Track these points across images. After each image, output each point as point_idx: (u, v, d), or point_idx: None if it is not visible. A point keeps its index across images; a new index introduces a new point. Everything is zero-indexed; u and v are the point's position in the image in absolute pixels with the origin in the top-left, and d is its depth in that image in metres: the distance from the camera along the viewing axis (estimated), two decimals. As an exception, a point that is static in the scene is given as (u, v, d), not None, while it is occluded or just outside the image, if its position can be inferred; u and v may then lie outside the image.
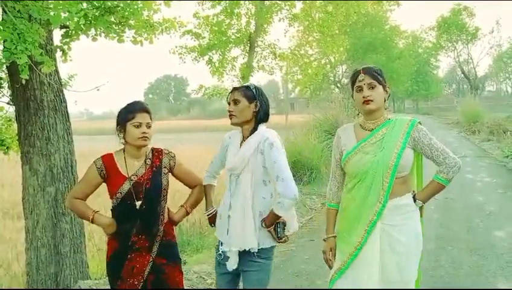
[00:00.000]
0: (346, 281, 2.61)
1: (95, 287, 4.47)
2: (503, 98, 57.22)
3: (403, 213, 2.59)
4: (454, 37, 43.57)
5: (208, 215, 2.97)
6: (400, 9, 41.20)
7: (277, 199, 2.60)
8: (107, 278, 4.90)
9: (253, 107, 2.73)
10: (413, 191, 2.67)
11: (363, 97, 2.56)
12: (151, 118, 2.76)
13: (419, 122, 2.62)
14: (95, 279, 4.89)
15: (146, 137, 2.70)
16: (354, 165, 2.62)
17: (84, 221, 4.77)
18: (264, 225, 2.65)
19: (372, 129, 2.63)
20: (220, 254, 2.77)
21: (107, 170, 2.72)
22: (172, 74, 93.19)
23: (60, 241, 4.54)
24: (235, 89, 2.82)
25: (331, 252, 2.72)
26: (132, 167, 2.75)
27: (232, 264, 2.69)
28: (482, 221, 6.79)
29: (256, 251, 2.66)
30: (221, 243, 2.77)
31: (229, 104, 2.78)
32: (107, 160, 2.75)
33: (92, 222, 2.73)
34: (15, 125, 4.94)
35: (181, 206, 2.98)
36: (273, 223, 2.65)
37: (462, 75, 50.32)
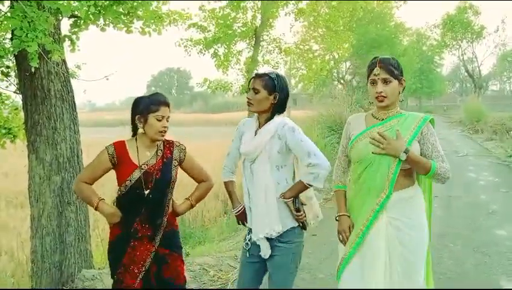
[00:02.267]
0: (352, 272, 2.59)
1: (98, 277, 4.50)
2: (506, 97, 57.08)
3: (409, 207, 2.56)
4: (459, 35, 43.41)
5: (236, 213, 2.92)
6: (405, 7, 41.07)
7: (310, 170, 2.57)
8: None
9: (272, 98, 2.69)
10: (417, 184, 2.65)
11: (377, 92, 2.54)
12: (169, 112, 2.77)
13: (431, 121, 2.61)
14: (99, 268, 4.93)
15: (165, 131, 2.72)
16: (360, 150, 2.60)
17: (89, 211, 4.82)
18: (282, 197, 2.63)
19: (383, 119, 2.62)
20: (247, 243, 2.77)
21: (118, 156, 2.72)
22: (175, 67, 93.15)
23: (65, 230, 4.56)
24: (257, 76, 2.74)
25: (345, 231, 2.66)
26: (143, 157, 2.75)
27: (265, 251, 2.67)
28: (485, 219, 6.80)
29: (276, 237, 2.65)
30: (250, 231, 2.78)
31: (249, 90, 2.74)
32: (119, 147, 2.75)
33: (96, 209, 2.72)
34: (22, 114, 4.95)
35: (186, 199, 2.98)
36: (295, 196, 2.64)
37: (466, 74, 50.20)
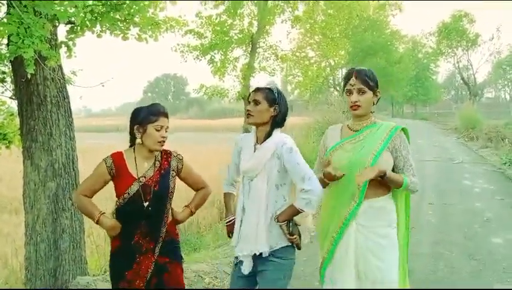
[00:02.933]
0: (330, 276, 2.72)
1: (93, 284, 4.47)
2: (501, 104, 57.32)
3: (378, 216, 2.63)
4: (454, 43, 43.58)
5: (226, 223, 2.95)
6: (401, 15, 41.26)
7: (302, 195, 2.57)
8: (105, 274, 4.95)
9: (272, 111, 2.71)
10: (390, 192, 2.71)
11: (351, 102, 2.65)
12: (168, 122, 2.78)
13: (404, 130, 2.68)
14: (93, 275, 4.90)
15: (164, 141, 2.72)
16: (333, 160, 2.69)
17: (84, 217, 4.80)
18: (276, 220, 2.64)
19: (357, 130, 2.72)
20: (237, 257, 2.78)
21: (117, 168, 2.71)
22: (172, 73, 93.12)
23: (59, 236, 4.54)
24: (257, 89, 2.77)
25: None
26: (141, 168, 2.75)
27: (246, 268, 2.69)
28: (480, 227, 6.81)
29: (268, 254, 2.65)
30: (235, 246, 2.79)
31: (249, 102, 2.77)
32: (117, 158, 2.74)
33: (97, 223, 2.72)
34: (17, 120, 4.93)
35: (185, 206, 2.98)
36: (288, 219, 2.64)
37: (461, 81, 50.34)
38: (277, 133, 2.73)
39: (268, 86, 2.76)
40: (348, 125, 2.80)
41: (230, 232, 2.93)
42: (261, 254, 2.65)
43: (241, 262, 2.73)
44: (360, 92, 2.62)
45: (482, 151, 16.32)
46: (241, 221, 2.75)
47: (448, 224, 7.05)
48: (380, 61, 30.93)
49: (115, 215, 2.77)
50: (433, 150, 16.15)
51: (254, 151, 2.75)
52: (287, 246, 2.68)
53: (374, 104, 2.70)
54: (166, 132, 2.74)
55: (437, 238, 6.25)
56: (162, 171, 2.79)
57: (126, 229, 2.73)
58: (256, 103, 2.71)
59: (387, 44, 32.92)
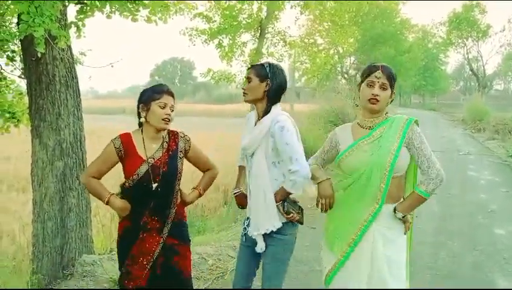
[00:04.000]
0: (340, 279, 2.64)
1: (98, 262, 4.54)
2: (510, 97, 56.93)
3: (396, 219, 2.61)
4: (464, 33, 43.18)
5: (234, 193, 2.98)
6: (411, 3, 40.82)
7: (289, 176, 2.60)
8: (110, 253, 5.03)
9: (264, 86, 2.72)
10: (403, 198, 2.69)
11: (372, 94, 2.57)
12: (174, 102, 2.78)
13: (416, 122, 2.64)
14: (99, 254, 4.98)
15: (168, 119, 2.72)
16: (350, 163, 2.64)
17: (90, 196, 4.86)
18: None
19: (370, 127, 2.65)
20: (245, 227, 2.84)
21: (125, 150, 2.72)
22: (179, 57, 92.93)
23: (66, 215, 4.60)
24: (251, 66, 2.82)
25: (329, 197, 2.70)
26: (150, 149, 2.76)
27: (259, 248, 2.74)
28: (484, 218, 6.82)
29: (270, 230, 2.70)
30: (248, 217, 2.84)
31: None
32: (126, 140, 2.75)
33: (107, 203, 2.74)
34: (26, 99, 4.97)
35: (194, 188, 3.01)
36: (282, 200, 2.67)
37: (470, 72, 50.01)
38: (275, 109, 2.74)
39: (260, 62, 2.79)
40: (358, 123, 2.73)
41: (239, 204, 2.97)
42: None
43: (249, 239, 2.79)
44: (382, 87, 2.57)
45: (489, 143, 16.27)
46: (250, 198, 2.80)
47: (451, 214, 7.07)
48: (389, 50, 30.77)
49: (121, 195, 2.79)
50: (439, 141, 16.10)
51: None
52: (286, 222, 2.72)
53: (387, 104, 2.66)
54: (171, 110, 2.75)
55: (440, 228, 6.27)
56: (170, 152, 2.81)
57: (135, 210, 2.75)
58: (249, 80, 2.75)
59: (396, 33, 32.73)
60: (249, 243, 2.83)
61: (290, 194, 2.67)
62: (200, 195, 3.02)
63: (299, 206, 2.76)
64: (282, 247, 2.74)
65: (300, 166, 2.57)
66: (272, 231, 2.70)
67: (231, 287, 3.01)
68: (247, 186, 2.88)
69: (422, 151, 2.57)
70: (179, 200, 2.87)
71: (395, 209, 2.59)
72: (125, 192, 2.78)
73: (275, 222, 2.67)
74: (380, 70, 2.58)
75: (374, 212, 2.56)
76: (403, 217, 2.58)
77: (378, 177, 2.55)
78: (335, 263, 2.64)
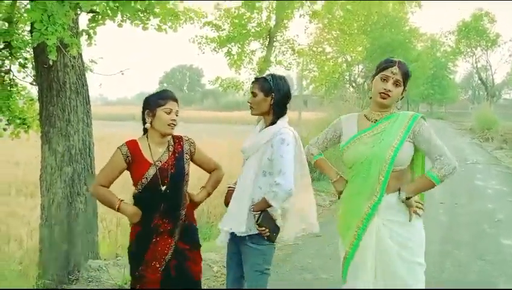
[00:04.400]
0: (353, 272, 2.64)
1: (104, 268, 4.58)
2: (519, 107, 56.54)
3: (401, 209, 2.58)
4: (473, 42, 43.09)
5: (228, 186, 3.01)
6: (420, 12, 40.81)
7: (272, 187, 2.63)
8: (116, 259, 5.06)
9: (269, 100, 2.77)
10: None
11: (385, 89, 2.57)
12: (178, 107, 2.83)
13: (423, 117, 2.63)
14: (105, 259, 5.01)
15: (174, 124, 2.77)
16: (351, 154, 2.66)
17: (97, 202, 4.90)
18: (251, 209, 2.71)
19: (376, 120, 2.66)
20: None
21: (132, 155, 2.76)
22: (188, 64, 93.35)
23: (73, 220, 4.66)
24: (255, 80, 2.87)
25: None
26: (156, 153, 2.80)
27: (218, 242, 2.83)
28: (490, 228, 6.80)
29: (246, 236, 2.72)
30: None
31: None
32: (132, 146, 2.79)
33: (118, 210, 2.77)
34: (36, 105, 5.05)
35: (202, 187, 3.05)
36: (259, 210, 2.69)
37: (479, 82, 49.82)
38: (281, 121, 2.79)
39: (264, 76, 2.84)
40: (365, 115, 2.74)
41: (226, 200, 2.96)
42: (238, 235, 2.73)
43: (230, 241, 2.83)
44: (396, 83, 2.58)
45: (497, 153, 16.21)
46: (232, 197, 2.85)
47: (458, 223, 7.05)
48: (397, 58, 30.69)
49: (133, 203, 2.82)
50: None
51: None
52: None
53: (397, 100, 2.66)
54: (176, 115, 2.80)
55: (446, 237, 6.26)
56: (177, 155, 2.85)
57: (145, 214, 2.78)
58: (254, 94, 2.80)
59: (405, 41, 32.67)
60: (233, 249, 2.86)
61: (270, 206, 2.67)
62: (209, 194, 3.05)
63: (276, 225, 2.75)
64: (261, 257, 2.76)
65: (285, 181, 2.60)
66: (251, 241, 2.73)
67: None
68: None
69: (433, 141, 2.56)
70: (187, 202, 2.90)
71: (399, 191, 2.57)
72: (136, 199, 2.82)
73: (240, 226, 2.70)
74: (396, 66, 2.58)
75: (373, 205, 2.56)
76: (407, 198, 2.54)
77: (377, 170, 2.56)
78: (346, 254, 2.67)
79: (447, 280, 4.76)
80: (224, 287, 4.55)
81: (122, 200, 2.78)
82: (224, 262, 5.13)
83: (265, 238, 2.72)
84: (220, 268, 4.97)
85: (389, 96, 2.57)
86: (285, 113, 2.84)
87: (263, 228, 2.69)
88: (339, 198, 2.84)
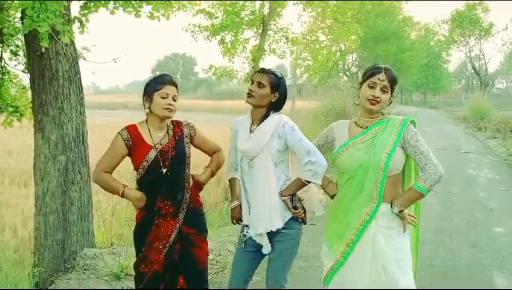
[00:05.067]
0: (340, 279, 2.67)
1: (99, 256, 4.59)
2: (511, 96, 56.83)
3: (395, 217, 2.62)
4: (467, 31, 43.15)
5: (231, 207, 3.01)
6: (414, 1, 40.68)
7: (307, 167, 2.66)
8: (111, 247, 5.06)
9: (273, 97, 2.77)
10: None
11: (373, 96, 2.59)
12: (177, 92, 2.83)
13: (412, 122, 2.65)
14: (100, 248, 5.01)
15: (171, 108, 2.77)
16: (344, 160, 2.67)
17: (92, 191, 4.90)
18: (281, 195, 2.72)
19: (366, 126, 2.68)
20: (244, 234, 2.86)
21: (133, 140, 2.77)
22: (181, 53, 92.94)
23: (68, 209, 4.64)
24: (264, 71, 2.81)
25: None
26: (156, 137, 2.81)
27: (266, 248, 2.78)
28: (483, 216, 6.86)
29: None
30: (246, 225, 2.86)
31: (252, 82, 2.80)
32: (132, 130, 2.80)
33: (122, 196, 2.77)
34: (29, 93, 5.00)
35: (206, 167, 3.06)
36: (292, 193, 2.73)
37: (472, 71, 49.99)
38: (274, 115, 2.80)
39: (273, 71, 2.81)
40: (355, 122, 2.76)
41: (234, 218, 3.00)
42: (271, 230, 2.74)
43: (251, 240, 2.81)
44: (383, 90, 2.60)
45: (490, 142, 16.31)
46: (248, 201, 2.82)
47: (451, 212, 7.11)
48: (391, 47, 30.73)
49: (136, 188, 2.84)
50: (440, 139, 16.13)
51: (250, 132, 2.81)
52: (292, 217, 2.77)
53: (386, 105, 2.68)
54: (174, 100, 2.80)
55: (439, 226, 6.31)
56: (177, 137, 2.87)
57: (148, 198, 2.79)
58: (261, 85, 2.75)
59: (399, 30, 32.68)
60: (249, 248, 2.85)
61: (304, 186, 2.72)
62: (213, 174, 3.07)
63: (303, 206, 2.81)
64: (289, 242, 2.79)
65: (318, 157, 2.67)
66: (280, 229, 2.74)
67: (229, 283, 3.04)
68: (241, 192, 2.91)
69: (419, 149, 2.57)
70: (191, 185, 2.91)
71: (391, 204, 2.61)
72: (139, 184, 2.83)
73: (276, 222, 2.72)
74: (383, 73, 2.60)
75: (372, 212, 2.58)
76: (400, 211, 2.59)
77: (373, 177, 2.57)
78: (334, 263, 2.67)
79: (440, 267, 4.80)
80: (219, 275, 4.59)
81: (126, 186, 2.78)
82: (219, 250, 5.20)
83: (300, 220, 2.77)
84: (215, 256, 4.99)
85: (377, 102, 2.60)
86: (280, 110, 2.85)
87: (298, 210, 2.74)
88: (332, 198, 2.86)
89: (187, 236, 2.85)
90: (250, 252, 2.85)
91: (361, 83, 2.69)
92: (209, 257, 4.89)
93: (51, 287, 4.27)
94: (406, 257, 2.63)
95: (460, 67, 67.28)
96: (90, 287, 4.16)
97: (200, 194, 3.05)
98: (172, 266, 2.83)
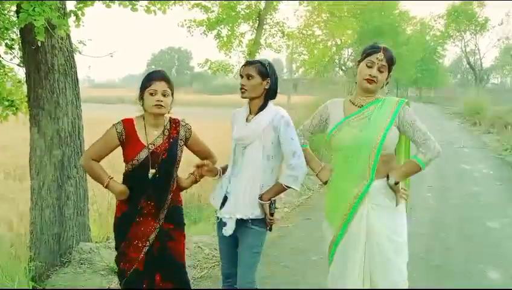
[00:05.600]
0: (340, 255, 2.71)
1: (95, 250, 4.59)
2: (507, 91, 56.89)
3: (388, 195, 2.65)
4: (462, 26, 43.19)
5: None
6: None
7: (288, 172, 2.70)
8: (107, 241, 5.07)
9: (265, 84, 2.78)
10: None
11: (370, 75, 2.62)
12: (170, 87, 2.80)
13: (407, 103, 2.68)
14: (96, 242, 5.02)
15: (160, 105, 2.73)
16: (339, 138, 2.70)
17: (88, 185, 4.90)
18: (260, 198, 2.73)
19: (362, 105, 2.71)
20: (217, 218, 2.89)
21: (127, 134, 2.77)
22: (177, 46, 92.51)
23: (64, 203, 4.63)
24: (249, 63, 2.84)
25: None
26: (151, 136, 2.81)
27: (228, 231, 2.79)
28: (477, 211, 6.91)
29: (249, 219, 2.76)
30: (219, 209, 2.87)
31: (241, 76, 2.82)
32: (128, 125, 2.80)
33: (106, 187, 2.79)
34: (24, 87, 4.98)
35: (191, 173, 3.05)
36: (272, 197, 2.74)
37: (468, 66, 50.07)
38: (271, 105, 2.82)
39: (259, 60, 2.83)
40: (350, 100, 2.78)
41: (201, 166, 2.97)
42: (243, 219, 2.76)
43: (224, 223, 2.82)
44: (381, 69, 2.62)
45: (484, 137, 16.37)
46: (228, 186, 2.84)
47: (445, 207, 7.15)
48: (387, 42, 30.68)
49: (123, 181, 2.85)
50: (435, 134, 15.86)
51: (247, 121, 2.83)
52: (263, 218, 2.79)
53: (383, 85, 2.71)
54: (164, 96, 2.76)
55: (434, 220, 6.35)
56: (171, 140, 2.86)
57: (133, 195, 2.80)
58: (249, 77, 2.77)
59: (395, 25, 32.67)
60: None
61: (284, 190, 2.76)
62: (196, 181, 3.05)
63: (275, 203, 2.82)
64: (259, 239, 2.82)
65: (301, 161, 2.70)
66: (249, 222, 2.76)
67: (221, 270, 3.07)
68: (223, 178, 2.91)
69: (417, 126, 2.62)
70: (175, 186, 2.92)
71: (388, 177, 2.62)
72: (126, 178, 2.84)
73: (254, 210, 2.74)
74: (381, 52, 2.62)
75: (364, 189, 2.62)
76: (396, 183, 2.60)
77: (366, 154, 2.61)
78: (333, 238, 2.73)
79: (435, 261, 4.83)
80: (215, 269, 4.61)
81: (111, 178, 2.79)
82: (215, 244, 5.20)
83: (268, 227, 2.79)
84: (211, 250, 5.00)
85: (374, 81, 2.62)
86: (275, 97, 2.86)
87: (274, 218, 2.77)
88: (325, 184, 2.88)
89: (166, 232, 2.87)
90: (227, 237, 2.85)
91: (359, 61, 2.72)
92: (204, 251, 4.97)
93: (47, 281, 4.27)
94: (401, 241, 2.67)
95: (455, 62, 67.31)
96: (86, 281, 4.17)
97: (187, 189, 3.07)
98: (152, 264, 2.83)
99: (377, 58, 2.61)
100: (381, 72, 2.63)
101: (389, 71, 2.67)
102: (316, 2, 15.88)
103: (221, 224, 2.86)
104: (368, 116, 2.65)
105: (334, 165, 2.79)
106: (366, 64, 2.64)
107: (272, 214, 2.75)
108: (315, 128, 2.94)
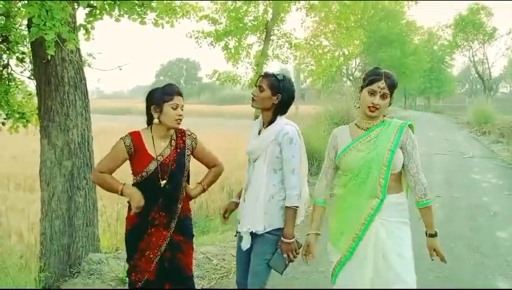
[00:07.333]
0: (347, 274, 2.71)
1: (105, 261, 4.62)
2: (516, 100, 56.67)
3: (400, 211, 2.70)
4: (470, 36, 43.15)
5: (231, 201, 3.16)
6: (417, 6, 40.76)
7: (290, 191, 2.76)
8: (116, 252, 5.09)
9: (275, 99, 2.82)
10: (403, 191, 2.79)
11: (372, 103, 2.64)
12: (183, 102, 2.87)
13: (410, 126, 2.72)
14: (105, 253, 5.05)
15: (181, 119, 2.82)
16: (348, 162, 2.72)
17: (97, 196, 4.94)
18: (279, 250, 2.79)
19: (368, 128, 2.73)
20: (238, 232, 2.96)
21: (135, 148, 2.81)
22: (185, 58, 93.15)
23: (74, 214, 4.68)
24: (265, 75, 2.89)
25: (310, 248, 2.84)
26: (159, 147, 2.85)
27: (245, 244, 2.85)
28: (486, 221, 6.85)
29: (262, 233, 2.81)
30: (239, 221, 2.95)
31: (255, 86, 2.89)
32: (136, 137, 2.83)
33: (121, 193, 2.78)
34: (35, 99, 5.06)
35: (198, 183, 3.10)
36: (292, 230, 2.78)
37: (476, 75, 49.92)
38: (280, 119, 2.85)
39: (275, 74, 2.87)
40: (356, 124, 2.82)
41: (224, 213, 3.11)
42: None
43: (241, 238, 2.90)
44: (383, 96, 2.65)
45: (494, 146, 16.24)
46: (244, 200, 2.91)
47: (455, 217, 7.10)
48: (394, 52, 30.75)
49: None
50: (444, 144, 16.12)
51: (259, 134, 2.89)
52: (279, 228, 2.82)
53: (386, 108, 2.74)
54: (182, 110, 2.84)
55: (442, 230, 6.22)
56: (178, 150, 2.90)
57: (143, 206, 2.81)
58: (261, 89, 2.82)
59: (402, 35, 32.73)
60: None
61: (295, 212, 2.79)
62: (204, 190, 3.10)
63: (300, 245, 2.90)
64: (270, 245, 2.84)
65: (295, 178, 2.77)
66: (266, 233, 2.80)
67: (235, 286, 3.09)
68: (243, 188, 2.99)
69: (413, 156, 2.68)
70: (184, 195, 2.95)
71: (426, 233, 2.78)
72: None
73: (258, 225, 2.80)
74: (383, 81, 2.64)
75: (376, 207, 2.64)
76: (432, 236, 2.78)
77: (376, 173, 2.63)
78: (340, 258, 2.72)
79: (443, 272, 4.80)
80: (223, 280, 4.62)
81: (125, 184, 2.80)
82: (223, 255, 5.22)
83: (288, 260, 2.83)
84: (220, 261, 5.01)
85: (377, 109, 2.66)
86: (286, 112, 2.90)
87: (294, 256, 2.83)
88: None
89: (177, 243, 2.90)
90: (245, 251, 2.90)
91: (362, 87, 2.74)
92: (213, 262, 4.98)
93: (57, 292, 4.30)
94: (408, 256, 2.68)
95: (464, 72, 67.17)
96: (95, 292, 4.19)
97: (196, 200, 3.11)
98: (163, 274, 2.86)
99: (378, 87, 2.64)
100: (383, 98, 2.66)
101: (391, 96, 2.71)
102: (323, 12, 15.94)
103: (239, 239, 2.94)
104: (375, 138, 2.69)
105: (343, 185, 2.80)
106: (368, 92, 2.67)
107: (294, 253, 2.80)
108: (335, 162, 2.92)
